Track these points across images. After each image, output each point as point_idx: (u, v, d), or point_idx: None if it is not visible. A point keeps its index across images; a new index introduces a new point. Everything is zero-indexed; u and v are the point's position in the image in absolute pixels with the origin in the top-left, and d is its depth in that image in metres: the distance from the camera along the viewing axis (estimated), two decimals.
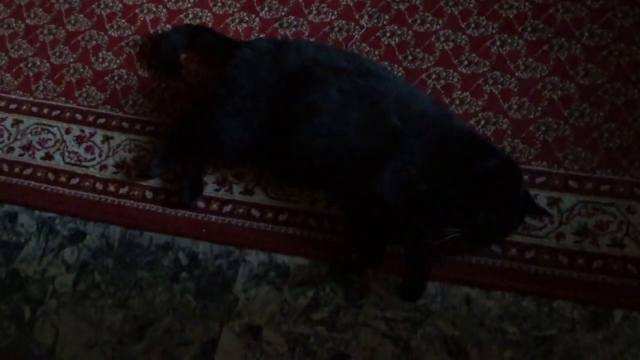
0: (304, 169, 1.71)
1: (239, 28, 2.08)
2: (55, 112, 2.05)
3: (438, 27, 1.96)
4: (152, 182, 1.86)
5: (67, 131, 2.00)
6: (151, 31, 2.13)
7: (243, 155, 1.80)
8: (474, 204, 1.54)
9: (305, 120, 1.68)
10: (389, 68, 1.89)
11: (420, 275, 1.59)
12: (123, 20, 2.17)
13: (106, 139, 1.97)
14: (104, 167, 1.92)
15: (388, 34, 1.98)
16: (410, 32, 1.97)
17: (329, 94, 1.68)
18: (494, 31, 1.92)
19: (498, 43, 1.90)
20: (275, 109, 1.73)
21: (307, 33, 2.03)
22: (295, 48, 1.80)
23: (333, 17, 2.04)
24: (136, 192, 1.86)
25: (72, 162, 1.95)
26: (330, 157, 1.66)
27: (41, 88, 2.10)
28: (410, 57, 1.93)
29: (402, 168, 1.60)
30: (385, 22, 2.00)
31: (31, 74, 2.14)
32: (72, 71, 2.11)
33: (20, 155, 1.99)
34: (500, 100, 1.82)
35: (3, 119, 2.06)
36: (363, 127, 1.65)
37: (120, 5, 2.20)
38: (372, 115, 1.66)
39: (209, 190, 1.82)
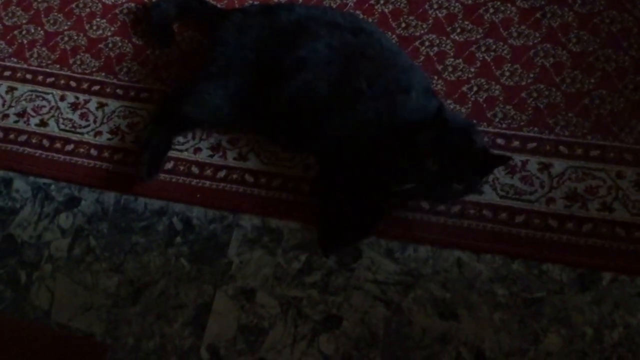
0: (290, 127, 1.71)
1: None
2: (50, 80, 2.05)
3: None
4: None
5: (62, 98, 2.01)
6: None
7: (229, 118, 1.79)
8: (423, 156, 1.51)
9: (292, 75, 1.68)
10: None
11: (335, 227, 1.64)
12: None
13: (101, 105, 1.97)
14: (98, 134, 1.93)
15: (382, 2, 1.98)
16: None
17: (318, 48, 1.68)
18: None
19: (491, 10, 1.91)
20: (266, 66, 1.73)
21: (300, 1, 2.02)
22: (289, 7, 1.81)
23: None
24: (131, 158, 1.87)
25: (67, 128, 1.96)
26: (307, 112, 1.67)
27: (35, 55, 2.10)
28: (403, 25, 1.94)
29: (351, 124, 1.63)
30: None
31: (25, 41, 2.14)
32: (66, 39, 2.11)
33: (15, 122, 1.99)
34: (493, 67, 1.83)
35: None
36: (335, 84, 1.65)
37: None
38: (346, 73, 1.66)
39: (203, 156, 1.83)
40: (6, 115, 2.01)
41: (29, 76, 2.07)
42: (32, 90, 2.04)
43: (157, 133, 1.82)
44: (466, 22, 1.90)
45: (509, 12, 1.89)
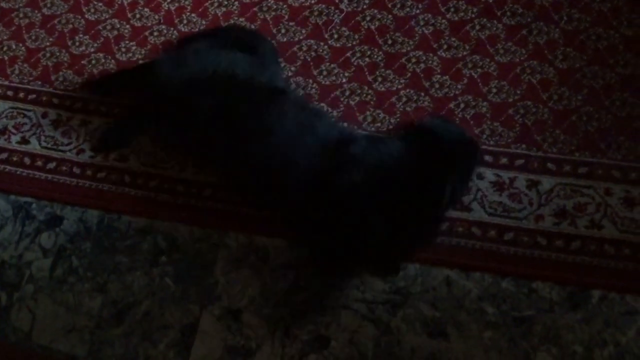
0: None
1: (217, 12, 2.06)
2: (32, 96, 2.02)
3: (418, 11, 1.96)
4: (131, 166, 1.84)
5: (44, 115, 1.98)
6: (129, 14, 2.10)
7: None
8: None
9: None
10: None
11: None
12: (100, 4, 2.14)
13: (84, 123, 1.94)
14: (81, 151, 1.90)
15: (368, 18, 1.98)
16: (390, 16, 1.96)
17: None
18: (473, 15, 1.92)
19: (477, 27, 1.90)
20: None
21: (286, 17, 2.01)
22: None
23: (313, 1, 2.02)
24: (114, 176, 1.84)
25: (49, 146, 1.93)
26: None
27: (17, 72, 2.07)
28: (390, 41, 1.93)
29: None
30: (365, 6, 1.99)
31: (6, 57, 2.11)
32: (48, 55, 2.08)
33: None
34: (480, 84, 1.82)
35: None
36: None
37: None
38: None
39: (189, 173, 1.81)
40: None
41: (10, 93, 2.04)
42: (13, 107, 2.01)
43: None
44: (453, 39, 1.90)
45: (495, 29, 1.89)
